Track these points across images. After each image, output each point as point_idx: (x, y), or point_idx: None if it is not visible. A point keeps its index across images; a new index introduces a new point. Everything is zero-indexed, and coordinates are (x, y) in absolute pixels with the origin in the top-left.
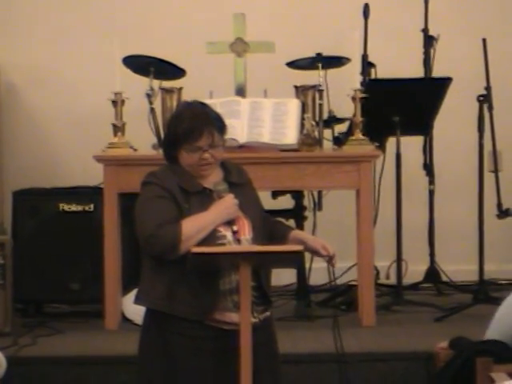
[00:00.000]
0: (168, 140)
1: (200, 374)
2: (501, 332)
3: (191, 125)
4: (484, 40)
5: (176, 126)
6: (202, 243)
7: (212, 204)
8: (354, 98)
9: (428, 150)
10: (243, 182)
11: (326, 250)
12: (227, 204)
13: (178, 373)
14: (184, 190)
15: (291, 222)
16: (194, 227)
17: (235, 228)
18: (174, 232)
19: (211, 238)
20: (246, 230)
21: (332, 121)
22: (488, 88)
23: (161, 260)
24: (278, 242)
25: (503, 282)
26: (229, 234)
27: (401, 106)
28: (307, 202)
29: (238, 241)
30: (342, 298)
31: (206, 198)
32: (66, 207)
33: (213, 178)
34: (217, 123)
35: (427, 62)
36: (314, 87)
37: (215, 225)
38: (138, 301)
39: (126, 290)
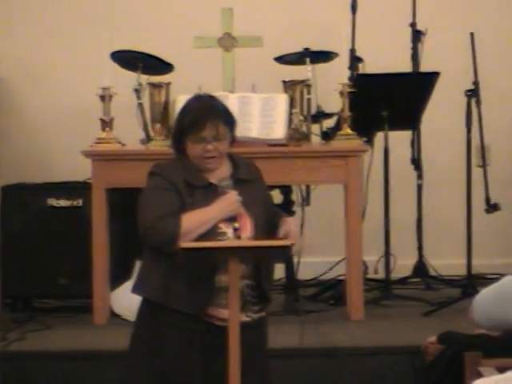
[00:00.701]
0: (175, 131)
1: (190, 367)
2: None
3: (196, 115)
4: (472, 34)
5: (182, 116)
6: (202, 239)
7: (216, 199)
8: (342, 93)
9: (416, 144)
10: (252, 179)
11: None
12: (230, 200)
13: (168, 364)
14: (189, 184)
15: None
16: (194, 222)
17: (237, 225)
18: (174, 225)
19: (211, 234)
20: (247, 227)
21: (320, 116)
22: (476, 83)
23: (159, 252)
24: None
25: (491, 276)
26: (230, 231)
27: (389, 101)
28: (295, 196)
29: (239, 238)
30: (330, 292)
31: (210, 193)
32: (55, 202)
33: (220, 173)
34: (223, 116)
35: (415, 57)
36: (302, 82)
37: (216, 220)
38: (134, 290)
39: (114, 285)
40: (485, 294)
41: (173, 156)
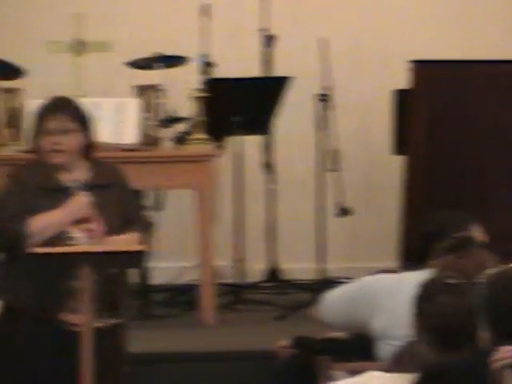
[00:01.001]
0: (32, 130)
1: (42, 370)
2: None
3: (44, 109)
4: (323, 40)
5: (35, 113)
6: (49, 243)
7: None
8: (194, 98)
9: (268, 148)
10: (110, 183)
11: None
12: (78, 203)
13: (21, 367)
14: (42, 187)
15: None
16: (41, 224)
17: (86, 228)
18: (20, 228)
19: (59, 238)
20: (98, 232)
21: (173, 120)
22: (328, 88)
23: (9, 254)
24: None
25: (344, 280)
26: (79, 235)
27: (241, 105)
28: (148, 201)
29: (90, 242)
30: (183, 297)
31: (63, 195)
32: None
33: (76, 176)
34: (72, 111)
35: (266, 62)
36: (153, 87)
37: (64, 223)
38: None
39: None
40: (339, 295)
41: (31, 159)
